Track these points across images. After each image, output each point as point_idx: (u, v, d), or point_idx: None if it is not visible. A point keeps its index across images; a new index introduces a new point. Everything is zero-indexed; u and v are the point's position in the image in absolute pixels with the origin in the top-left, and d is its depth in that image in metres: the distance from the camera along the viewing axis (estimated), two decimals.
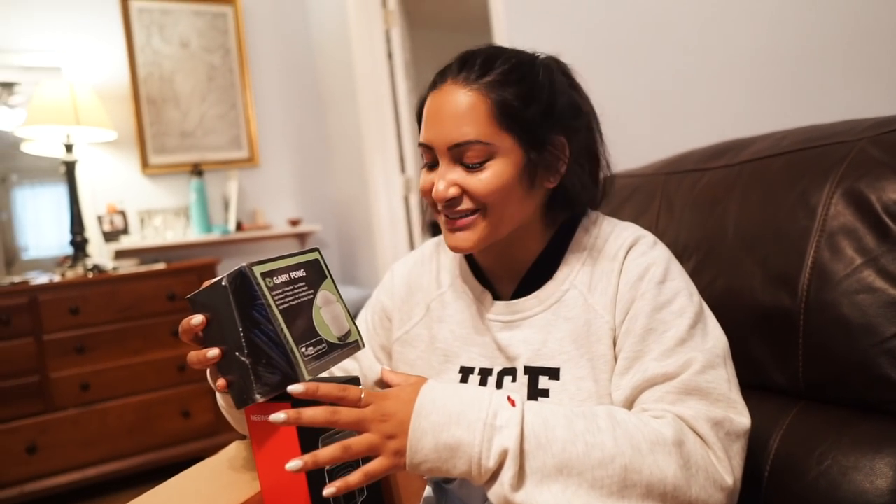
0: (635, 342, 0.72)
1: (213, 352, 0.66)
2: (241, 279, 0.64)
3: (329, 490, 0.59)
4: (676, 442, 0.62)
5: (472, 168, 0.75)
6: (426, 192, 0.80)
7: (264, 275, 0.65)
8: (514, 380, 0.79)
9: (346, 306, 0.75)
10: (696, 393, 0.67)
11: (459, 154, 0.75)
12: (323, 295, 0.71)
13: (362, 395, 0.63)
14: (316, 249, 0.75)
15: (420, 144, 0.80)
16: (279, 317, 0.64)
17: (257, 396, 0.64)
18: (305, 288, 0.69)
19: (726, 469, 0.64)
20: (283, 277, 0.67)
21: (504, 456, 0.61)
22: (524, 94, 0.75)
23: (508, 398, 0.65)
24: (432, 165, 0.79)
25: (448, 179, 0.76)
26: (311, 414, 0.60)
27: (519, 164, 0.76)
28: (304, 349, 0.65)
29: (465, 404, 0.64)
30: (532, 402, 0.66)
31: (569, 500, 0.60)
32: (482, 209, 0.77)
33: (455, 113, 0.74)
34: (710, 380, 0.68)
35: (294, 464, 0.59)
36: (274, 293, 0.65)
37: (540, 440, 0.62)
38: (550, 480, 0.61)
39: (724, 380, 0.69)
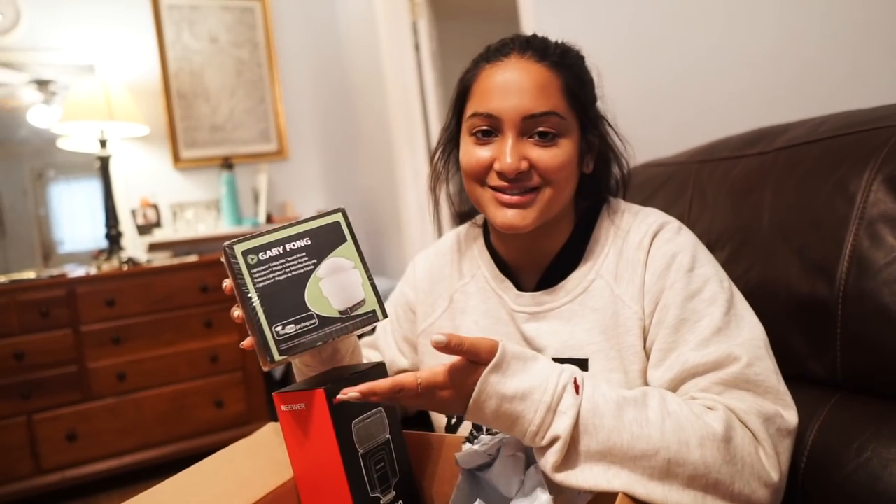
0: (668, 333, 0.71)
1: (237, 312, 0.69)
2: (225, 255, 0.65)
3: (353, 394, 0.60)
4: (725, 437, 0.61)
5: (544, 141, 0.74)
6: (478, 166, 0.77)
7: (246, 252, 0.65)
8: None
9: (367, 272, 0.70)
10: (745, 386, 0.66)
11: (533, 125, 0.74)
12: (331, 263, 0.68)
13: (419, 384, 0.62)
14: (340, 210, 0.71)
15: (478, 115, 0.76)
16: (253, 295, 0.64)
17: (267, 360, 0.65)
18: (305, 259, 0.67)
19: (773, 465, 0.63)
20: (274, 251, 0.66)
21: (554, 441, 0.61)
22: (580, 78, 0.78)
23: (575, 382, 0.62)
24: (485, 135, 0.76)
25: (517, 152, 0.74)
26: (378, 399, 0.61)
27: (578, 145, 0.77)
28: (278, 328, 0.64)
29: (534, 383, 0.62)
30: (589, 386, 0.64)
31: (609, 479, 0.60)
32: (544, 187, 0.76)
33: (532, 84, 0.74)
34: (759, 372, 0.67)
35: (352, 394, 0.60)
36: (256, 270, 0.65)
37: (587, 427, 0.61)
38: (592, 462, 0.61)
39: (772, 371, 0.68)
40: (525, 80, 0.74)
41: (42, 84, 2.91)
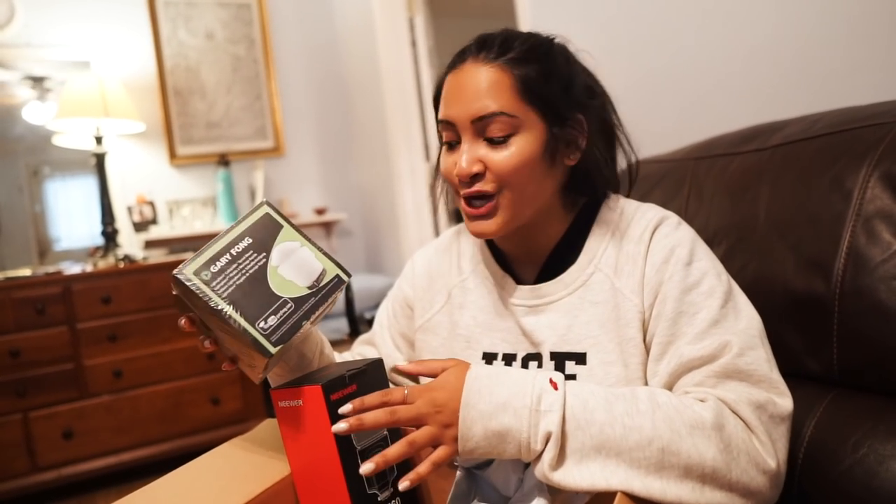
0: (667, 326, 0.71)
1: (206, 344, 0.73)
2: (178, 283, 0.65)
3: (368, 466, 0.63)
4: (716, 425, 0.62)
5: (496, 143, 0.75)
6: (448, 175, 0.80)
7: (198, 271, 0.66)
8: (539, 365, 0.79)
9: (314, 245, 0.73)
10: (737, 376, 0.67)
11: (483, 127, 0.75)
12: (280, 250, 0.70)
13: (406, 392, 0.66)
14: (263, 203, 0.73)
15: (440, 121, 0.80)
16: (223, 306, 0.65)
17: (265, 358, 0.65)
18: (254, 255, 0.69)
19: (769, 452, 0.63)
20: (223, 260, 0.67)
21: (548, 438, 0.62)
22: (544, 71, 0.76)
23: (551, 381, 0.65)
24: (452, 145, 0.79)
25: (471, 155, 0.76)
26: (373, 418, 0.64)
27: (542, 140, 0.76)
28: (261, 324, 0.65)
29: (511, 392, 0.65)
30: (573, 383, 0.67)
31: (607, 477, 0.61)
32: (501, 190, 0.76)
33: (478, 87, 0.74)
34: (750, 361, 0.67)
35: (367, 467, 0.63)
36: (214, 283, 0.65)
37: (579, 422, 0.63)
38: (589, 459, 0.62)
39: (764, 360, 0.68)
40: (472, 83, 0.75)
41: (37, 81, 2.89)
